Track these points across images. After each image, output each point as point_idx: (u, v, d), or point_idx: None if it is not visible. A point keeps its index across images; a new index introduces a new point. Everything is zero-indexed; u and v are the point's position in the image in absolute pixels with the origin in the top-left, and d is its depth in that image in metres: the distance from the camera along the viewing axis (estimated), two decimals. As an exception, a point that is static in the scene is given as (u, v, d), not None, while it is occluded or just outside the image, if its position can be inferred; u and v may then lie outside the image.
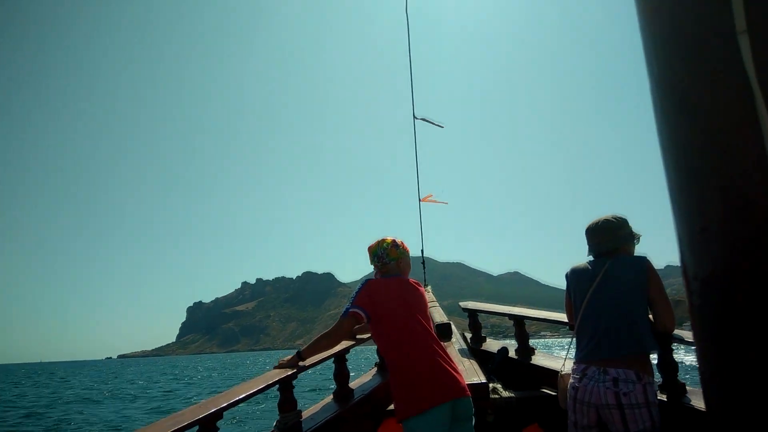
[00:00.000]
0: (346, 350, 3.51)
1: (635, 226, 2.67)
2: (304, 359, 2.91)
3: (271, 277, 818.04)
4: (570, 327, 2.88)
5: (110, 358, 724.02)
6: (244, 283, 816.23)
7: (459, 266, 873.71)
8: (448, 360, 2.56)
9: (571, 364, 2.71)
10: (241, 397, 2.57)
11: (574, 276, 2.77)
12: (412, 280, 2.84)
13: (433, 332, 2.67)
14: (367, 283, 2.71)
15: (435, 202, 5.99)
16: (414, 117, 5.78)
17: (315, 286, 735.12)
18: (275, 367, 3.00)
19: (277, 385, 2.89)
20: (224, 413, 2.44)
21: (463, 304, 4.94)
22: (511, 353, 4.26)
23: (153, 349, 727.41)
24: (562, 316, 3.46)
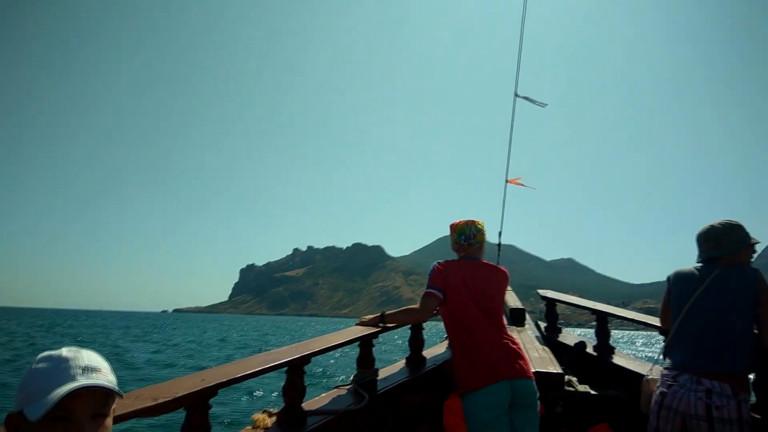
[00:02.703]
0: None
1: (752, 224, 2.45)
2: (386, 322, 3.02)
3: (322, 246, 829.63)
4: (661, 332, 2.81)
5: (166, 311, 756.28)
6: (296, 250, 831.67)
7: (510, 249, 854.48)
8: (514, 343, 2.60)
9: (659, 370, 2.64)
10: (329, 345, 2.70)
11: (678, 279, 2.65)
12: (494, 264, 2.86)
13: (502, 316, 2.73)
14: (438, 265, 2.75)
15: (522, 185, 5.67)
16: (516, 95, 5.52)
17: (364, 258, 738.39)
18: (358, 324, 3.12)
19: (359, 341, 3.01)
20: (312, 359, 2.57)
21: (542, 292, 4.85)
22: (589, 349, 4.22)
23: (206, 306, 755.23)
24: (649, 318, 3.34)
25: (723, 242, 2.54)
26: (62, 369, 1.03)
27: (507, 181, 5.50)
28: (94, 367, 1.06)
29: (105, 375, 1.08)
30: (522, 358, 2.55)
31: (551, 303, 4.78)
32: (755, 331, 2.44)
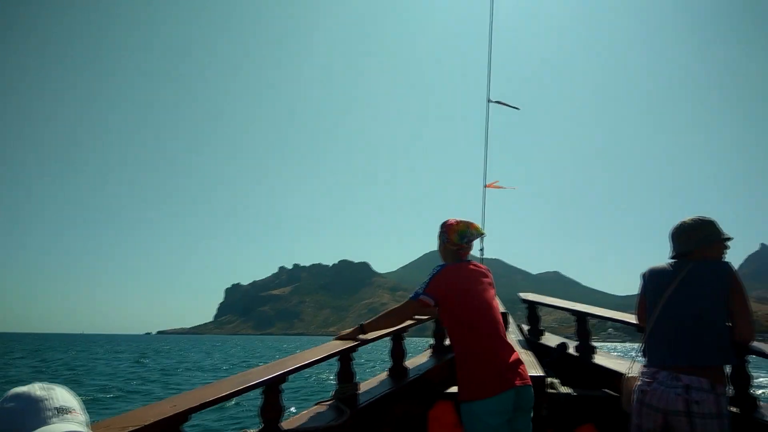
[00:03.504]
0: (404, 329, 3.54)
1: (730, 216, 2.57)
2: (365, 333, 2.97)
3: (308, 263, 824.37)
4: (639, 329, 2.87)
5: (149, 333, 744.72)
6: (281, 268, 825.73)
7: (496, 263, 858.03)
8: (512, 347, 2.59)
9: (639, 367, 2.65)
10: (305, 362, 2.65)
11: (652, 276, 2.68)
12: (481, 265, 2.83)
13: (501, 319, 2.69)
14: (443, 269, 2.71)
15: (501, 188, 5.62)
16: (488, 100, 5.49)
17: (350, 275, 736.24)
18: (336, 338, 3.06)
19: (338, 356, 2.95)
20: (288, 377, 2.52)
21: (522, 294, 4.87)
22: (571, 350, 4.20)
23: (191, 327, 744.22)
24: (628, 317, 3.38)
25: (694, 237, 2.57)
26: (34, 410, 0.96)
27: (485, 186, 5.48)
28: (67, 408, 1.00)
29: (77, 415, 1.02)
30: (522, 363, 2.57)
31: (532, 306, 4.79)
32: (728, 324, 2.47)
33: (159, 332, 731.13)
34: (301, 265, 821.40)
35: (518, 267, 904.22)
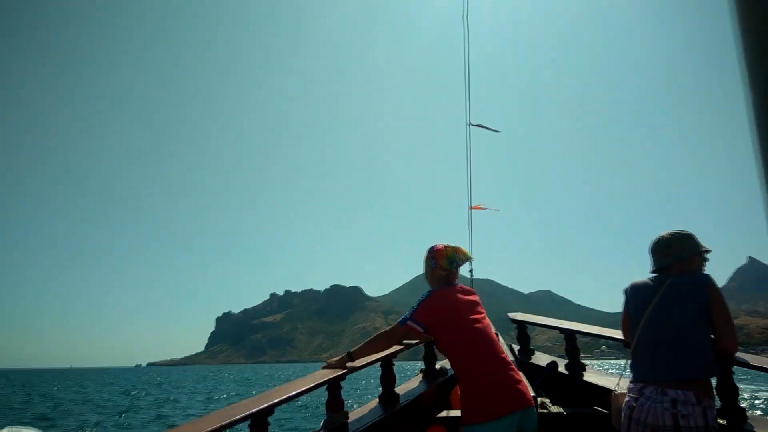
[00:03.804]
0: (393, 355, 3.52)
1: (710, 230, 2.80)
2: (353, 360, 2.94)
3: (299, 289, 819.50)
4: (625, 345, 2.88)
5: (140, 365, 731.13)
6: (273, 295, 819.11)
7: (488, 283, 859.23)
8: (515, 369, 2.56)
9: (626, 383, 2.65)
10: (292, 394, 2.61)
11: (633, 291, 2.69)
12: (467, 287, 2.82)
13: (496, 339, 2.66)
14: (433, 294, 2.68)
15: (486, 209, 5.72)
16: (469, 124, 5.56)
17: (342, 300, 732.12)
18: (323, 367, 3.03)
19: (326, 385, 2.92)
20: (275, 409, 2.49)
21: (511, 315, 4.89)
22: (561, 368, 4.19)
23: (181, 358, 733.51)
24: (615, 333, 3.35)
25: (673, 251, 2.60)
26: None
27: (470, 208, 5.52)
28: None
29: None
30: (522, 382, 2.55)
31: (522, 325, 4.81)
32: (711, 336, 2.50)
33: (149, 364, 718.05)
34: (293, 291, 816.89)
35: (509, 287, 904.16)
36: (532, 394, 2.80)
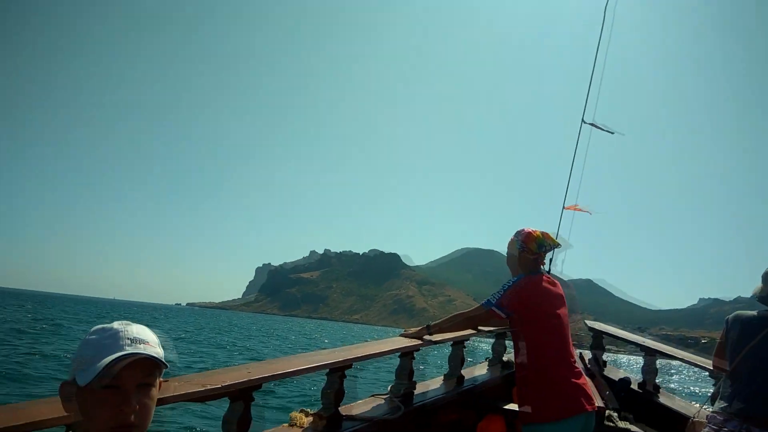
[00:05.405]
0: (466, 337, 3.54)
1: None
2: (431, 334, 2.94)
3: (339, 249, 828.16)
4: (711, 375, 2.75)
5: (179, 304, 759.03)
6: (312, 252, 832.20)
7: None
8: (583, 374, 2.53)
9: (707, 412, 2.59)
10: (371, 353, 2.76)
11: (736, 323, 2.60)
12: (554, 280, 2.75)
13: (571, 340, 2.63)
14: (523, 280, 2.59)
15: (580, 210, 5.35)
16: (582, 121, 5.16)
17: (380, 265, 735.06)
18: (402, 335, 3.09)
19: (400, 352, 3.03)
20: (353, 364, 2.60)
21: (589, 323, 4.74)
22: (633, 385, 4.10)
23: (219, 302, 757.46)
24: (701, 360, 3.28)
25: None
26: (111, 339, 1.11)
27: (564, 208, 5.19)
28: (142, 339, 1.13)
29: (152, 347, 1.14)
30: (588, 387, 2.52)
31: (598, 335, 4.62)
32: None
33: (188, 304, 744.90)
34: (332, 250, 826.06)
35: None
36: (599, 404, 2.77)
